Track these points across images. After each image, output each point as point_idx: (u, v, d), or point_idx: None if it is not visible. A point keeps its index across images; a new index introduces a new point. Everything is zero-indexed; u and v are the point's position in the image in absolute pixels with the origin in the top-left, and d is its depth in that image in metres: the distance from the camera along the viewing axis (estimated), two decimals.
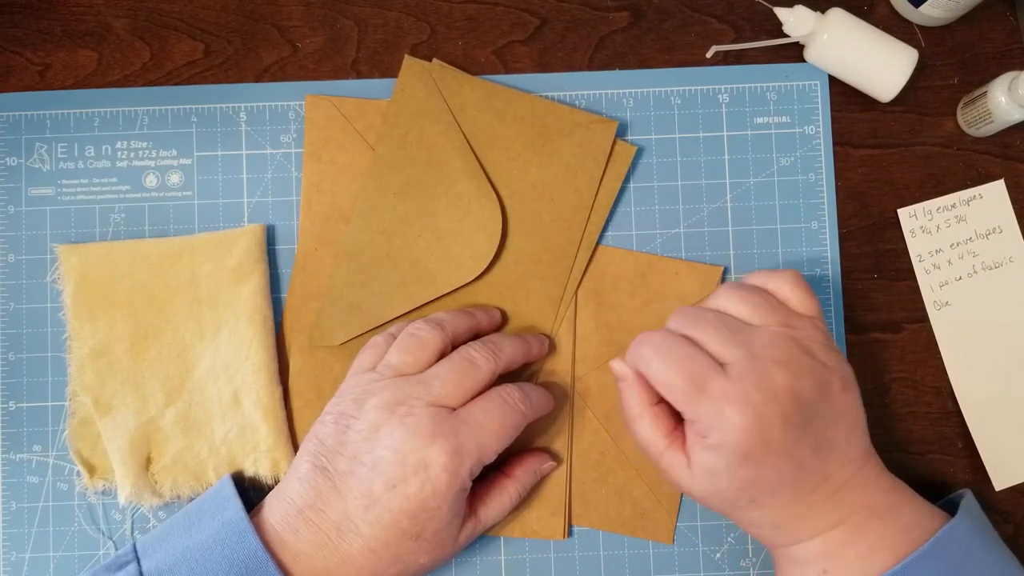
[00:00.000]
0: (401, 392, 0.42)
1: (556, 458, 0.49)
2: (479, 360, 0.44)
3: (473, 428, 0.42)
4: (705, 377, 0.40)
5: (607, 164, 0.51)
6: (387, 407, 0.42)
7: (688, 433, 0.42)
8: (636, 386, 0.44)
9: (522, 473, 0.47)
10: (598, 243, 0.51)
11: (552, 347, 0.50)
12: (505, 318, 0.50)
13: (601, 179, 0.51)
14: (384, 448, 0.41)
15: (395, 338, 0.46)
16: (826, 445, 0.41)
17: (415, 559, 0.42)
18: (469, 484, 0.43)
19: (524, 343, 0.47)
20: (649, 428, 0.44)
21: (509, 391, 0.44)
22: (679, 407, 0.42)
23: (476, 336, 0.48)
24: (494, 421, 0.43)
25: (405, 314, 0.50)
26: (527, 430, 0.49)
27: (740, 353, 0.41)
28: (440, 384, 0.43)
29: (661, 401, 0.44)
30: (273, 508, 0.43)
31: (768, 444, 0.40)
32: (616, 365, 0.45)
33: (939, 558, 0.41)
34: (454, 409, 0.43)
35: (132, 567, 0.41)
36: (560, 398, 0.50)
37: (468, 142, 0.50)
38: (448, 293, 0.50)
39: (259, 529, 0.42)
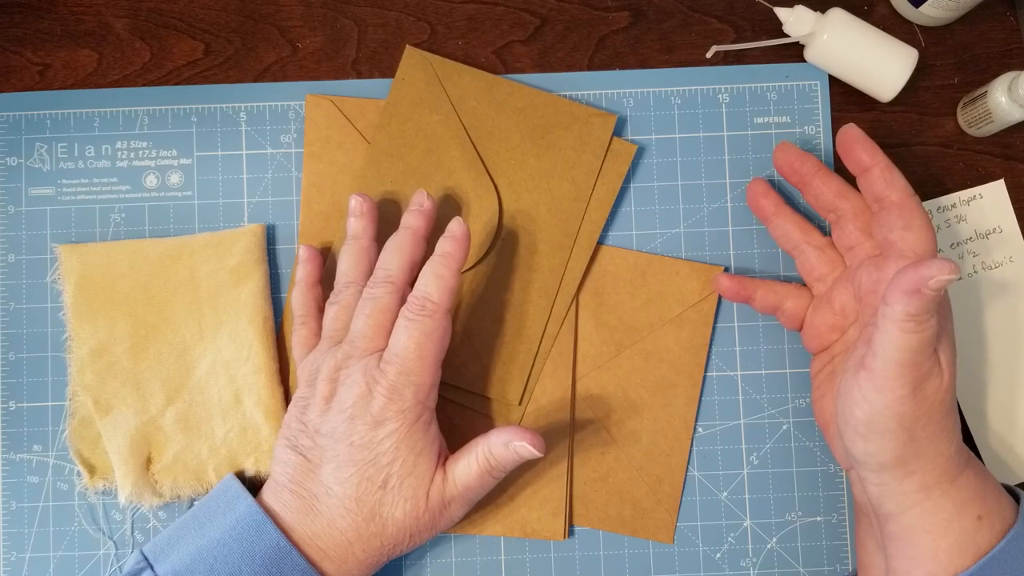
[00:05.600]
0: (335, 360, 0.44)
1: (556, 450, 0.49)
2: (376, 291, 0.45)
3: (392, 363, 0.43)
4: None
5: (606, 160, 0.51)
6: (329, 378, 0.44)
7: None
8: None
9: (495, 436, 0.44)
10: (599, 243, 0.51)
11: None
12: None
13: (599, 172, 0.51)
14: (336, 412, 0.43)
15: (310, 317, 0.48)
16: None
17: (390, 512, 0.43)
18: (425, 415, 0.44)
19: (409, 233, 0.46)
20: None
21: (407, 306, 0.44)
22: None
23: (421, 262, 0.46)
24: (402, 342, 0.43)
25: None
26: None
27: None
28: (359, 334, 0.44)
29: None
30: (263, 493, 0.45)
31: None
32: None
33: None
34: (383, 351, 0.44)
35: (147, 574, 0.42)
36: (560, 398, 0.50)
37: (467, 132, 0.50)
38: None
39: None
